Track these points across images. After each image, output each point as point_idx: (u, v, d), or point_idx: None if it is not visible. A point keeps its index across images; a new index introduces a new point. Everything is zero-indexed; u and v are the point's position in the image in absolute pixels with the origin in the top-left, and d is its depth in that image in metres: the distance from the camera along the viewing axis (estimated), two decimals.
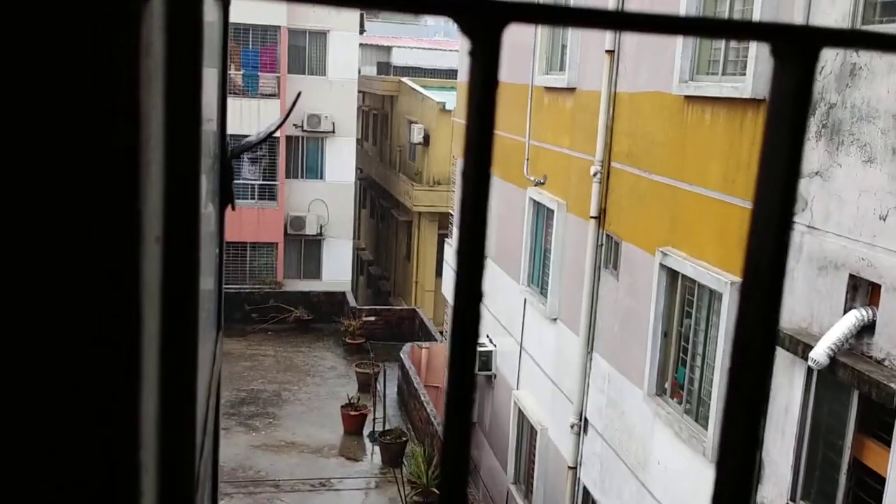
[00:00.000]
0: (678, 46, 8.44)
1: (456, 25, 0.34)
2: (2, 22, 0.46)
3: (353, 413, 17.25)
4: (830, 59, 6.35)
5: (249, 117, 24.48)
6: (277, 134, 24.77)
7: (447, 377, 0.40)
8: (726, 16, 7.91)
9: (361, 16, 26.76)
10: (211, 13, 1.44)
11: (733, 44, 7.91)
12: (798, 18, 6.67)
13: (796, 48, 0.38)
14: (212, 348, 1.57)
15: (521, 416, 12.95)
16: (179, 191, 0.70)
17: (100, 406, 0.52)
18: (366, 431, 17.29)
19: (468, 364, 0.40)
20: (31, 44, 0.46)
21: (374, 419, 17.07)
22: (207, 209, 1.42)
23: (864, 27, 6.11)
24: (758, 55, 7.18)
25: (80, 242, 0.50)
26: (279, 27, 24.93)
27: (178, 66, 0.68)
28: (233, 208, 1.71)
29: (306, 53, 25.83)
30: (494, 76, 0.35)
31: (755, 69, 7.19)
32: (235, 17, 23.89)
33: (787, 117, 0.39)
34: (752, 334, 0.41)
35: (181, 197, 0.71)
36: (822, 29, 0.38)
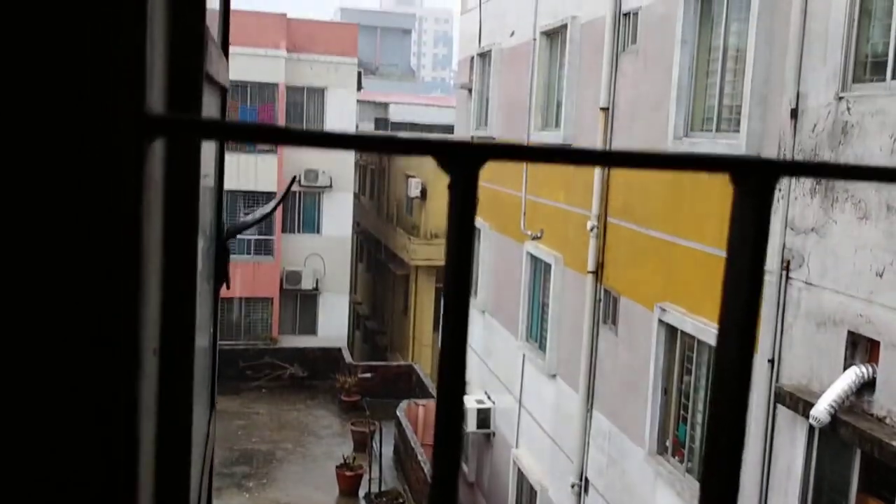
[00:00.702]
0: (672, 103, 8.55)
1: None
2: (8, 165, 0.49)
3: (348, 473, 16.97)
4: (822, 118, 6.42)
5: (247, 172, 24.67)
6: (275, 189, 24.92)
7: (434, 433, 0.41)
8: (721, 49, 8.01)
9: (359, 73, 27.21)
10: (209, 104, 1.46)
11: (727, 101, 8.02)
12: (790, 77, 6.76)
13: (754, 180, 0.42)
14: (204, 429, 1.54)
15: (521, 475, 12.75)
16: (177, 303, 0.73)
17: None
18: (361, 493, 16.98)
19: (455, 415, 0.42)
20: (43, 177, 0.50)
21: (370, 479, 16.79)
22: (205, 292, 1.41)
23: (855, 85, 6.19)
24: (751, 113, 7.26)
25: (77, 361, 0.51)
26: (277, 84, 25.30)
27: (178, 196, 0.72)
28: (227, 287, 1.70)
29: (304, 110, 26.17)
30: (472, 206, 0.37)
31: (749, 126, 7.27)
32: (234, 74, 24.28)
33: (749, 246, 0.42)
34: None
35: (178, 309, 0.73)
36: (778, 162, 0.41)
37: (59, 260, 0.50)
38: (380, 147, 0.36)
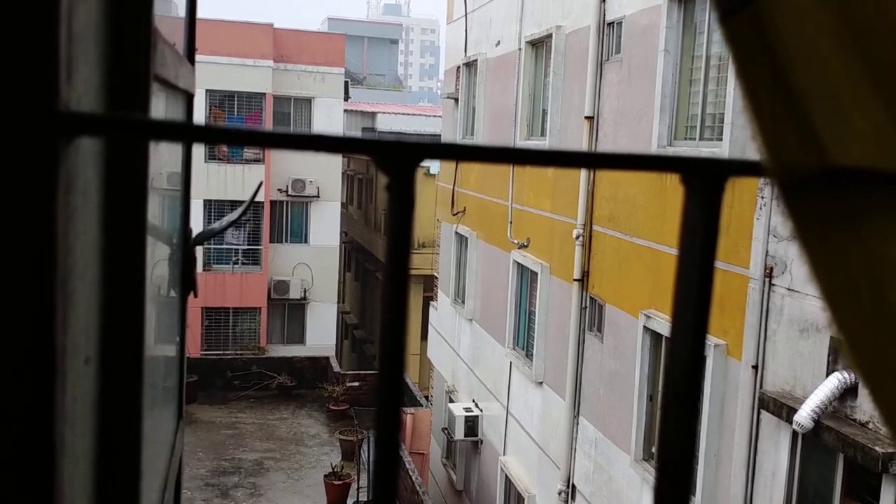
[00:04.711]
0: (656, 111, 8.62)
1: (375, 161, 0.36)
2: None
3: (336, 482, 16.90)
4: None
5: (234, 182, 24.60)
6: (262, 199, 24.89)
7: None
8: (704, 58, 8.08)
9: (346, 83, 27.21)
10: (174, 111, 1.45)
11: (710, 109, 8.10)
12: None
13: (703, 180, 0.41)
14: (170, 439, 1.54)
15: (509, 482, 12.74)
16: (119, 308, 0.70)
17: None
18: (350, 501, 16.91)
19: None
20: None
21: (358, 488, 16.72)
22: (167, 299, 1.41)
23: None
24: (734, 121, 7.33)
25: None
26: (264, 94, 25.28)
27: (119, 200, 0.69)
28: (195, 296, 1.70)
29: (291, 119, 26.14)
30: (409, 205, 0.38)
31: (731, 134, 7.33)
32: (221, 84, 24.28)
33: (698, 244, 0.42)
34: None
35: (121, 318, 0.71)
36: (727, 161, 0.41)
37: None
38: (316, 146, 0.37)
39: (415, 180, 0.38)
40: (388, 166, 0.37)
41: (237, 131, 0.38)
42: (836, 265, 0.41)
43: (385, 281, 0.38)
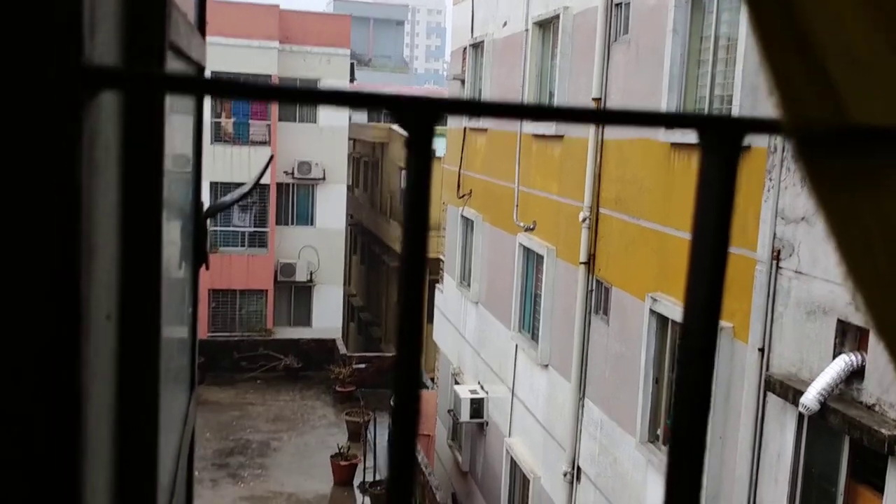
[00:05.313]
0: (664, 92, 8.56)
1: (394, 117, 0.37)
2: None
3: (343, 463, 17.01)
4: None
5: (240, 164, 24.61)
6: (268, 181, 24.89)
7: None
8: (712, 38, 8.03)
9: (352, 65, 27.12)
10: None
11: (718, 90, 8.04)
12: None
13: (720, 138, 0.40)
14: (183, 409, 1.55)
15: (514, 464, 12.80)
16: (138, 266, 0.71)
17: (37, 488, 0.51)
18: (356, 482, 17.03)
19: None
20: None
21: (364, 469, 16.83)
22: (181, 269, 1.41)
23: None
24: (742, 102, 7.28)
25: (18, 330, 0.51)
26: (270, 76, 25.21)
27: (136, 156, 0.70)
28: (206, 268, 1.71)
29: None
30: (428, 162, 0.38)
31: (740, 115, 7.28)
32: (227, 66, 24.21)
33: (714, 204, 0.42)
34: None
35: (139, 276, 0.72)
36: (745, 118, 0.40)
37: None
38: (334, 100, 0.37)
39: (434, 136, 0.38)
40: (409, 122, 0.37)
41: (253, 86, 0.39)
42: (851, 221, 0.41)
43: (404, 236, 0.39)
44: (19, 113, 0.48)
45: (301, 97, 0.38)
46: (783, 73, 0.38)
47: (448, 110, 0.37)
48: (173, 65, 1.14)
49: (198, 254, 1.64)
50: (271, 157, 3.59)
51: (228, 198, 2.38)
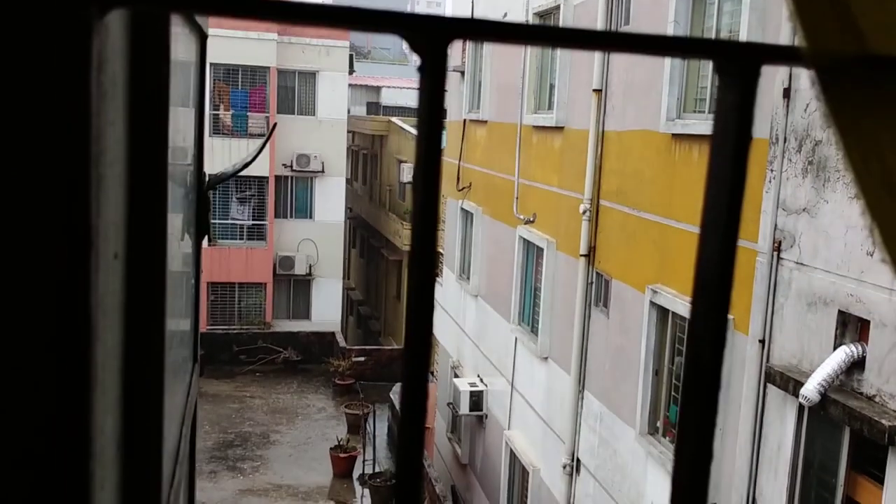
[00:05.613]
0: (665, 85, 8.54)
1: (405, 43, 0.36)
2: None
3: (342, 455, 17.02)
4: (815, 98, 6.42)
5: (239, 157, 24.51)
6: (267, 174, 24.84)
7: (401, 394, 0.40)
8: (714, 30, 8.00)
9: (351, 56, 27.04)
10: (188, 50, 1.44)
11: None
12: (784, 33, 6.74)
13: (738, 64, 0.40)
14: (186, 379, 1.54)
15: (513, 456, 12.81)
16: (144, 207, 0.70)
17: (48, 416, 0.51)
18: (356, 474, 17.05)
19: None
20: None
21: (364, 461, 16.85)
22: (184, 240, 1.40)
23: None
24: None
25: (27, 254, 0.50)
26: (268, 68, 25.14)
27: (143, 83, 0.69)
28: (209, 241, 1.70)
29: (296, 94, 26.03)
30: (441, 87, 0.37)
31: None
32: (225, 58, 24.15)
33: (732, 132, 0.40)
34: (702, 342, 0.42)
35: (145, 214, 0.71)
36: (763, 45, 0.40)
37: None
38: (347, 22, 0.36)
39: (447, 59, 0.37)
40: (421, 43, 0.36)
41: (258, 2, 0.37)
42: (869, 151, 0.41)
43: (416, 168, 0.37)
44: (28, 29, 0.47)
45: (310, 15, 0.36)
46: (805, 1, 0.38)
47: (462, 31, 0.36)
48: (181, 31, 1.12)
49: (200, 225, 1.63)
50: (275, 125, 3.59)
51: (230, 168, 2.36)
